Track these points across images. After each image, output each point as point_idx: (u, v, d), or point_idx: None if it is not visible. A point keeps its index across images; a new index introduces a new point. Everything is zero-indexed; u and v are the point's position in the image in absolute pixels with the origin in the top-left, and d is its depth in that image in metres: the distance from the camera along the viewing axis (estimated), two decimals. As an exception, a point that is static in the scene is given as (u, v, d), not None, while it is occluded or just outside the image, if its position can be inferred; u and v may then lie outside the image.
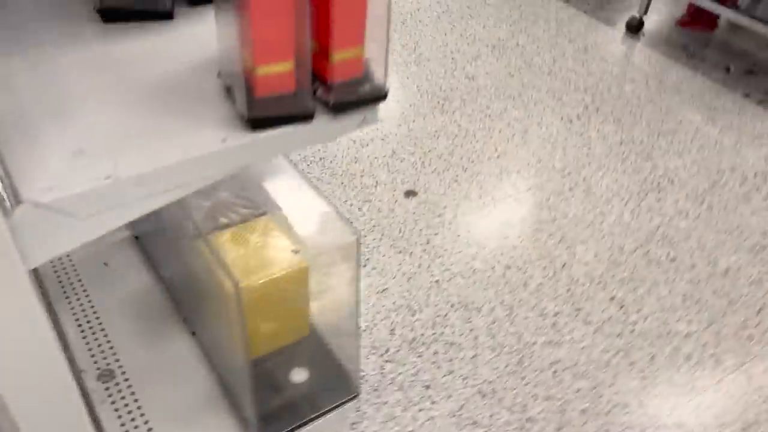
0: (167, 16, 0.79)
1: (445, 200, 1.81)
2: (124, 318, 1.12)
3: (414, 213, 1.76)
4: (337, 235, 0.87)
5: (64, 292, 1.16)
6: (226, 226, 1.04)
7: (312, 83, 0.67)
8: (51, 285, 1.17)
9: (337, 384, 1.04)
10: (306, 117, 0.65)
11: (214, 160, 0.61)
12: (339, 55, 0.65)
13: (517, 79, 2.33)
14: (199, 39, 0.76)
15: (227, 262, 0.87)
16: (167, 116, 0.64)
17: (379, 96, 0.68)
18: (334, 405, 1.01)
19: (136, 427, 0.98)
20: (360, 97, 0.67)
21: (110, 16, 0.78)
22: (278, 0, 0.58)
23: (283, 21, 0.60)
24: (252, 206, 1.06)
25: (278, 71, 0.63)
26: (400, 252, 1.64)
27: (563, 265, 1.64)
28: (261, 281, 0.84)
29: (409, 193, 1.82)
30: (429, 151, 1.98)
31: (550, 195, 1.85)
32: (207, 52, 0.74)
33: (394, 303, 1.52)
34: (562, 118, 2.15)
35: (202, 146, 0.61)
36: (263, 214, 1.05)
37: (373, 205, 1.77)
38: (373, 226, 1.71)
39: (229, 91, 0.66)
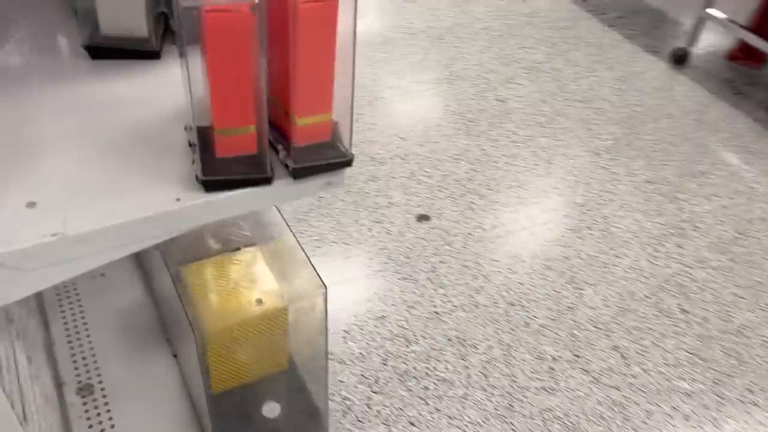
0: (154, 55, 0.80)
1: (457, 228, 1.79)
2: (111, 332, 1.14)
3: (424, 239, 1.74)
4: (305, 287, 0.87)
5: (59, 299, 1.19)
6: (216, 252, 1.05)
7: (277, 143, 0.67)
8: (47, 291, 1.20)
9: (307, 422, 1.04)
10: (264, 181, 0.64)
11: (165, 220, 0.62)
12: (303, 121, 0.65)
13: (549, 106, 2.28)
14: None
15: (197, 301, 0.87)
16: (127, 169, 0.64)
17: (344, 162, 0.67)
18: (303, 443, 1.01)
19: (107, 446, 1.00)
20: (323, 162, 0.66)
21: (97, 53, 0.79)
22: (235, 66, 0.58)
23: (242, 86, 0.59)
24: (242, 235, 1.07)
25: (239, 134, 0.63)
26: (404, 278, 1.63)
27: (569, 308, 1.60)
28: (229, 325, 0.84)
29: (422, 218, 1.81)
30: (448, 174, 1.96)
31: (566, 231, 1.81)
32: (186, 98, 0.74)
33: (390, 331, 1.51)
34: (590, 151, 2.10)
35: (155, 206, 0.61)
36: (252, 244, 1.06)
37: (383, 227, 1.76)
38: (381, 249, 1.70)
39: (192, 146, 0.66)
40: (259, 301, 0.86)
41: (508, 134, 2.14)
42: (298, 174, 0.65)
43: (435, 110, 2.21)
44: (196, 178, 0.62)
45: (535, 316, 1.58)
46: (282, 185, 0.65)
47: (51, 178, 0.62)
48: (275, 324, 0.91)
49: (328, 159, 0.66)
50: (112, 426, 1.02)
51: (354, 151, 2.08)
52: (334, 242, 1.70)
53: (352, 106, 0.65)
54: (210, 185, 0.63)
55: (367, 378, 1.41)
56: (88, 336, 1.14)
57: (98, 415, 1.03)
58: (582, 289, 1.65)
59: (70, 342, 1.13)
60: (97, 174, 0.64)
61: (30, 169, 0.63)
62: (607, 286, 1.67)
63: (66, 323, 1.15)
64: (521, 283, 1.65)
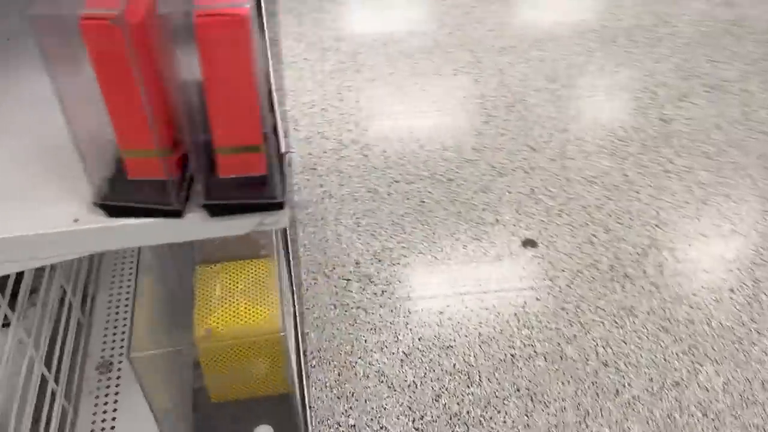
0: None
1: (566, 262, 1.57)
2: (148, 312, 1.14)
3: (523, 267, 1.56)
4: (263, 325, 0.77)
5: (114, 269, 1.22)
6: (232, 258, 0.99)
7: (200, 173, 0.58)
8: (107, 259, 1.23)
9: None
10: (172, 213, 0.55)
11: (58, 241, 0.55)
12: (225, 150, 0.55)
13: (724, 134, 1.93)
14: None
15: (199, 304, 0.82)
16: (45, 177, 0.59)
17: (270, 205, 0.56)
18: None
19: (102, 429, 1.00)
20: (246, 201, 0.55)
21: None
22: (124, 82, 0.49)
23: (136, 105, 0.51)
24: (260, 244, 1.00)
25: (146, 157, 0.54)
26: (486, 309, 1.47)
27: (676, 383, 1.34)
28: (220, 336, 0.78)
29: (528, 243, 1.61)
30: (574, 198, 1.73)
31: (701, 289, 1.51)
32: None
33: (454, 365, 1.37)
34: (761, 196, 1.74)
35: (51, 223, 0.55)
36: (267, 256, 0.99)
37: (481, 245, 1.60)
38: (471, 270, 1.55)
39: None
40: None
41: (661, 161, 1.84)
42: (213, 211, 0.56)
43: (581, 121, 1.97)
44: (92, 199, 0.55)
45: (629, 384, 1.33)
46: (196, 220, 0.56)
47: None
48: (266, 347, 0.83)
49: (250, 199, 0.55)
50: (115, 409, 1.02)
51: (475, 156, 1.94)
52: (421, 253, 1.58)
53: (276, 139, 0.53)
54: (109, 209, 0.55)
55: (412, 411, 1.29)
56: (126, 313, 1.15)
57: (106, 395, 1.04)
58: (700, 364, 1.37)
59: (108, 316, 1.14)
60: (16, 177, 0.59)
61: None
62: (735, 366, 1.37)
63: (111, 295, 1.17)
64: (624, 342, 1.41)
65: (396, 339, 1.40)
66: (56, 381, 0.98)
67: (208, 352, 0.84)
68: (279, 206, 0.56)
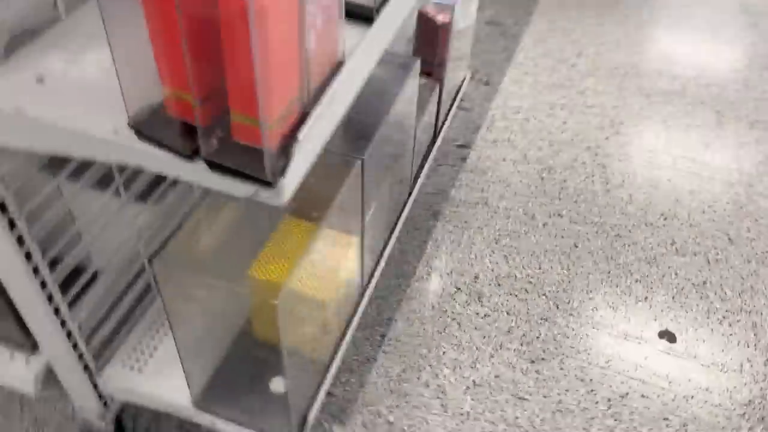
0: None
1: (696, 372, 1.36)
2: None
3: (646, 357, 1.38)
4: (271, 286, 0.79)
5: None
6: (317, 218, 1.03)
7: (219, 128, 0.61)
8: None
9: (276, 413, 0.99)
10: (182, 155, 0.60)
11: (94, 143, 0.63)
12: (234, 116, 0.57)
13: None
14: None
15: (266, 248, 0.87)
16: (120, 80, 0.66)
17: (254, 178, 0.58)
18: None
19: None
20: (231, 167, 0.58)
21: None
22: (168, 26, 0.54)
23: (176, 51, 0.55)
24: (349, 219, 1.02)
25: (182, 99, 0.59)
26: (582, 380, 1.34)
27: None
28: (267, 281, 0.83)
29: (666, 335, 1.43)
30: (750, 311, 1.48)
31: None
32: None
33: (516, 418, 1.28)
34: None
35: (92, 125, 0.63)
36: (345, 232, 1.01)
37: (611, 315, 1.45)
38: (585, 333, 1.42)
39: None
40: (275, 280, 0.83)
41: None
42: (212, 165, 0.59)
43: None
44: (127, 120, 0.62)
45: None
46: (201, 169, 0.60)
47: (75, 58, 0.69)
48: (267, 309, 0.86)
49: (237, 166, 0.58)
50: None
51: (661, 221, 1.97)
52: (544, 296, 1.48)
53: (299, 123, 0.55)
54: (137, 133, 0.62)
55: (452, 440, 1.25)
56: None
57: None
58: None
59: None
60: (97, 79, 0.68)
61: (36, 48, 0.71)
62: None
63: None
64: (717, 488, 1.20)
65: (473, 365, 1.35)
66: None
67: (251, 294, 0.89)
68: (267, 184, 0.58)
